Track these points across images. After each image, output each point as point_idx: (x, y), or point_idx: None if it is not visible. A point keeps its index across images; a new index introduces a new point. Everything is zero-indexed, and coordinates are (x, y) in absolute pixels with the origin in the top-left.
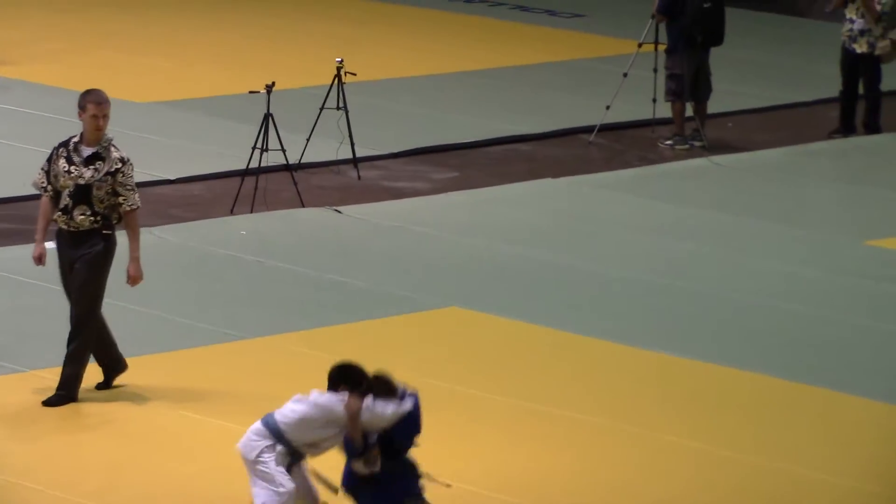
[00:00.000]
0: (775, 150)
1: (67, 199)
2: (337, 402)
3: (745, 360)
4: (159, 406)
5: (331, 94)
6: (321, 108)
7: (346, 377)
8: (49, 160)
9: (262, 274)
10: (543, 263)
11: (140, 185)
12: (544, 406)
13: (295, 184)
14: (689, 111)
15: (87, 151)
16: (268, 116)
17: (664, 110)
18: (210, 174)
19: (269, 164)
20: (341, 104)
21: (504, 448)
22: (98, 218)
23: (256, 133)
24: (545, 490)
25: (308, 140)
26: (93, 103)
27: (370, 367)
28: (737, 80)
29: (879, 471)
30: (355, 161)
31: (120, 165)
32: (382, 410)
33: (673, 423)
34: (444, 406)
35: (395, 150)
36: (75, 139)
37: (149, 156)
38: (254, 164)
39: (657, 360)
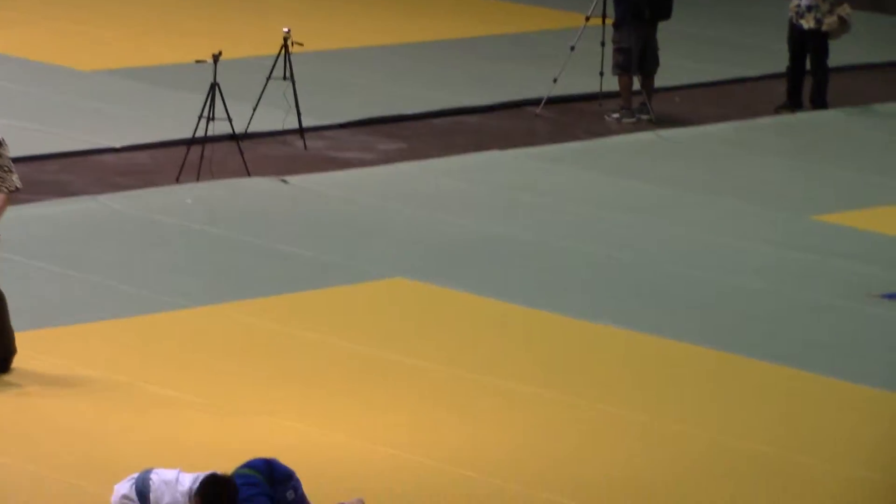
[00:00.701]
0: (723, 125)
1: None
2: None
3: (689, 334)
4: (103, 374)
5: (278, 63)
6: (268, 78)
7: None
8: None
9: (207, 243)
10: (489, 235)
11: (85, 153)
12: (488, 377)
13: (241, 153)
14: (637, 85)
15: None
16: (214, 86)
17: (611, 84)
18: (156, 143)
19: (216, 134)
20: (288, 74)
21: (448, 419)
22: None
23: (203, 102)
24: (490, 461)
25: (254, 109)
26: None
27: (313, 338)
28: (684, 55)
29: (819, 440)
30: (302, 131)
31: None
32: None
33: (617, 396)
34: (388, 376)
35: (342, 121)
36: None
37: (94, 124)
38: (200, 134)
39: (601, 333)
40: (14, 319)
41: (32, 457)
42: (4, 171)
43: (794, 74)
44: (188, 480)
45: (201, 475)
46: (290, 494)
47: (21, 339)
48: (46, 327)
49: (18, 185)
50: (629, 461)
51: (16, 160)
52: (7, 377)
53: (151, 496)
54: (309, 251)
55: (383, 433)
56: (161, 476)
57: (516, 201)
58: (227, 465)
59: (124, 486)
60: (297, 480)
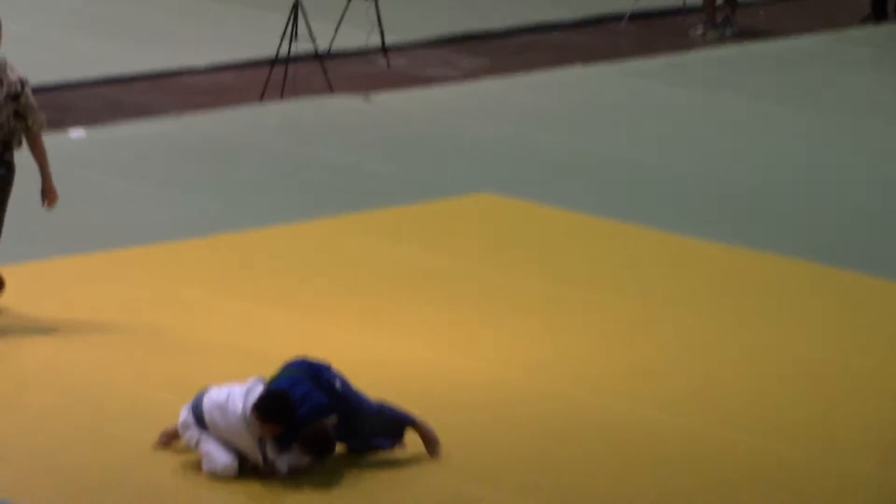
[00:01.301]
0: (808, 37)
1: None
2: (243, 426)
3: (785, 248)
4: (189, 292)
5: None
6: None
7: (276, 416)
8: None
9: (291, 161)
10: (573, 149)
11: (168, 73)
12: (576, 290)
13: (324, 72)
14: None
15: None
16: (297, 4)
17: None
18: (239, 62)
19: (299, 53)
20: None
21: (534, 332)
22: (2, 145)
23: (286, 21)
24: (577, 374)
25: (337, 28)
26: None
27: (400, 253)
28: None
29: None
30: (384, 49)
31: (21, 88)
32: (293, 462)
33: (705, 308)
34: (474, 291)
35: (425, 38)
36: None
37: (177, 44)
38: (283, 53)
39: (688, 245)
40: (99, 239)
41: (126, 372)
42: (32, 111)
43: None
44: (239, 400)
45: (250, 391)
46: (337, 383)
47: (107, 259)
48: (132, 245)
49: (45, 123)
50: (718, 374)
51: (99, 82)
52: (90, 298)
53: (206, 420)
54: (392, 168)
55: (469, 347)
56: (213, 399)
57: (602, 116)
58: None
59: (184, 412)
60: (335, 371)
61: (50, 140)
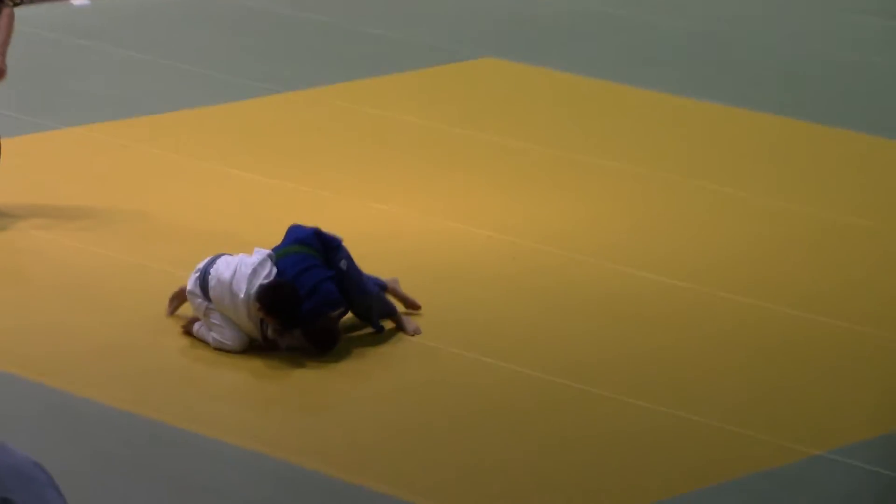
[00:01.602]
0: None
1: None
2: (244, 309)
3: (782, 108)
4: (195, 163)
5: None
6: None
7: (280, 309)
8: None
9: (296, 26)
10: (578, 11)
11: None
12: (581, 155)
13: None
14: None
15: None
16: None
17: None
18: None
19: None
20: None
21: (541, 197)
22: None
23: None
24: (580, 240)
25: None
26: None
27: (406, 119)
28: None
29: None
30: None
31: None
32: (294, 343)
33: (711, 171)
34: (481, 157)
35: None
36: None
37: None
38: None
39: (699, 108)
40: (103, 109)
41: (114, 244)
42: None
43: None
44: (244, 282)
45: (255, 273)
46: (343, 264)
47: (113, 127)
48: (136, 115)
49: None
50: (736, 239)
51: None
52: (94, 169)
53: (210, 295)
54: (397, 33)
55: (478, 215)
56: (219, 274)
57: None
58: None
59: (191, 280)
60: (345, 248)
61: (53, 8)
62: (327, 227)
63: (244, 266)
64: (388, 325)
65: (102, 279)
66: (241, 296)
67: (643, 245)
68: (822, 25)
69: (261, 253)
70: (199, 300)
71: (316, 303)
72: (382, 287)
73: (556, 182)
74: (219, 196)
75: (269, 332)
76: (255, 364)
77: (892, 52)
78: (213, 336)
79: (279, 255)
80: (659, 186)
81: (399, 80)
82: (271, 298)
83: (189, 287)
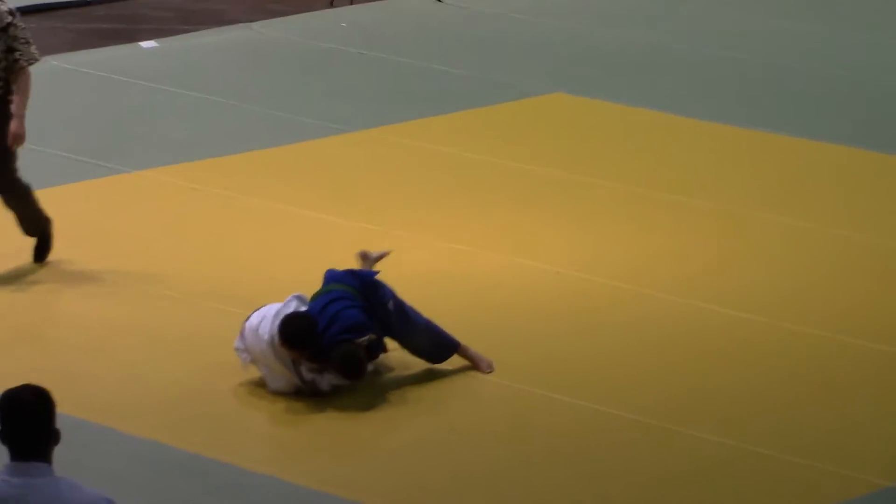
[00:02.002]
0: None
1: None
2: (271, 350)
3: (853, 139)
4: (262, 203)
5: None
6: None
7: (297, 340)
8: None
9: (364, 66)
10: (647, 46)
11: None
12: (649, 190)
13: None
14: None
15: None
16: None
17: None
18: None
19: None
20: None
21: (611, 233)
22: (2, 83)
23: None
24: (652, 275)
25: None
26: None
27: (476, 158)
28: None
29: None
30: None
31: (10, 19)
32: (334, 381)
33: (781, 204)
34: (552, 194)
35: None
36: None
37: None
38: None
39: (771, 142)
40: (173, 151)
41: (184, 287)
42: (22, 44)
43: None
44: (268, 323)
45: (279, 314)
46: (390, 304)
47: (182, 170)
48: (206, 158)
49: (38, 57)
50: (810, 271)
51: None
52: (165, 212)
53: (247, 346)
54: (466, 70)
55: (548, 252)
56: (251, 324)
57: (674, 11)
58: (393, 284)
59: (238, 336)
60: (386, 286)
61: (121, 51)
62: (398, 267)
63: (272, 310)
64: (464, 361)
65: (174, 323)
66: (266, 337)
67: (715, 279)
68: (882, 57)
69: (291, 297)
70: (245, 355)
71: (337, 330)
72: (454, 346)
73: (626, 217)
74: (289, 237)
75: (305, 373)
76: (322, 406)
77: None
78: (268, 384)
79: (312, 297)
80: (728, 220)
81: (469, 116)
82: (287, 329)
83: (235, 344)
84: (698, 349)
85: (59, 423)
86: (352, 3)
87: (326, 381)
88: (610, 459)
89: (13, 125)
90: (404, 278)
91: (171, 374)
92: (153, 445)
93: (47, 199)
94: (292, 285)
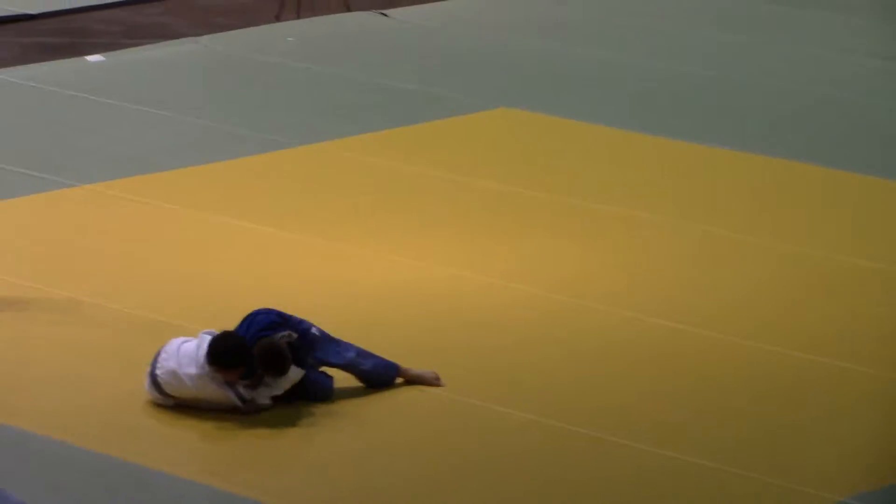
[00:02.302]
0: None
1: None
2: (207, 380)
3: (795, 152)
4: (207, 216)
5: None
6: None
7: (230, 356)
8: None
9: (310, 80)
10: (590, 59)
11: None
12: (596, 204)
13: None
14: None
15: None
16: None
17: None
18: None
19: None
20: None
21: (558, 247)
22: None
23: None
24: (591, 287)
25: None
26: None
27: (421, 172)
28: None
29: None
30: None
31: None
32: (270, 392)
33: (720, 216)
34: (498, 207)
35: None
36: None
37: None
38: None
39: (704, 154)
40: (119, 165)
41: (145, 304)
42: None
43: None
44: (191, 362)
45: (199, 347)
46: (314, 330)
47: (128, 184)
48: (150, 172)
49: None
50: (742, 283)
51: (116, 5)
52: (110, 224)
53: (166, 390)
54: (412, 84)
55: (494, 264)
56: (164, 367)
57: (616, 24)
58: (338, 298)
59: (146, 383)
60: (310, 323)
61: (68, 65)
62: (341, 278)
63: (186, 350)
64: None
65: (118, 335)
66: (194, 370)
67: (648, 291)
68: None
69: (202, 333)
70: (161, 398)
71: (254, 331)
72: (394, 368)
73: (559, 229)
74: (234, 250)
75: (243, 393)
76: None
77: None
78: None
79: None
80: (662, 231)
81: (414, 131)
82: (217, 349)
83: (147, 390)
84: (634, 359)
85: None
86: (298, 18)
87: (264, 394)
88: (547, 469)
89: None
90: (350, 284)
91: (105, 385)
92: (80, 452)
93: None
94: (236, 295)
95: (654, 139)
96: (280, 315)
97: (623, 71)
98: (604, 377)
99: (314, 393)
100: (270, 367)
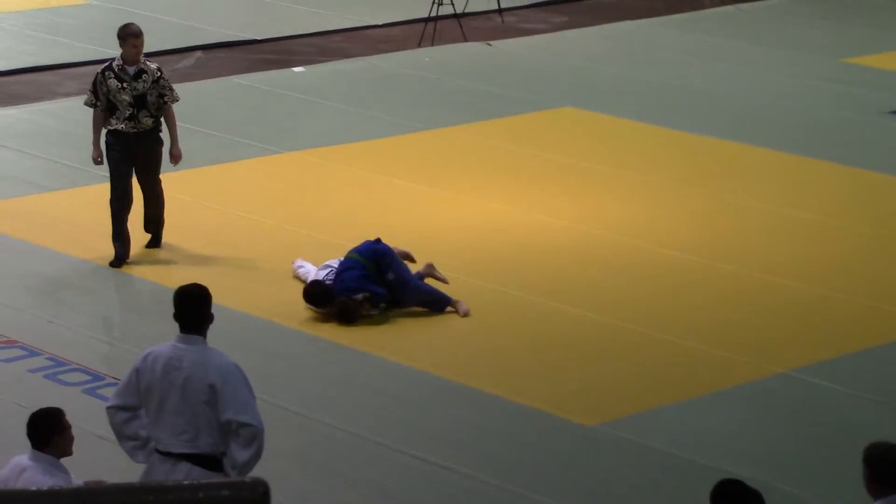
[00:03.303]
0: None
1: (129, 108)
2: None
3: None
4: (371, 174)
5: None
6: None
7: (318, 299)
8: (95, 83)
9: (440, 86)
10: (636, 77)
11: (357, 28)
12: (644, 175)
13: (460, 26)
14: None
15: (132, 70)
16: None
17: None
18: (404, 20)
19: (442, 13)
20: None
21: (610, 202)
22: (156, 119)
23: None
24: (639, 231)
25: None
26: (132, 36)
27: (511, 148)
28: None
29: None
30: (500, 10)
31: (159, 74)
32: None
33: (762, 194)
34: (566, 175)
35: (527, 2)
36: (118, 62)
37: (362, 7)
38: (433, 13)
39: (715, 144)
40: (314, 139)
41: (321, 230)
42: (168, 90)
43: None
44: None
45: (316, 274)
46: (390, 276)
47: (319, 152)
48: (334, 145)
49: (178, 98)
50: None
51: (309, 35)
52: (309, 178)
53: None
54: (505, 90)
55: (563, 211)
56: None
57: (653, 55)
58: (442, 233)
59: (318, 272)
60: (396, 261)
61: (280, 74)
62: (449, 220)
63: (319, 269)
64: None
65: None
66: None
67: (690, 235)
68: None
69: (336, 259)
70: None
71: (340, 288)
72: (421, 277)
73: (620, 193)
74: (388, 199)
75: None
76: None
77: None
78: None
79: (346, 254)
80: (699, 199)
81: (507, 122)
82: (311, 294)
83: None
84: (706, 297)
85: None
86: (432, 45)
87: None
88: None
89: (175, 149)
90: (455, 221)
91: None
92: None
93: (220, 173)
94: (384, 227)
95: (677, 133)
96: (377, 260)
97: (657, 84)
98: (676, 308)
99: (430, 303)
100: (342, 319)
